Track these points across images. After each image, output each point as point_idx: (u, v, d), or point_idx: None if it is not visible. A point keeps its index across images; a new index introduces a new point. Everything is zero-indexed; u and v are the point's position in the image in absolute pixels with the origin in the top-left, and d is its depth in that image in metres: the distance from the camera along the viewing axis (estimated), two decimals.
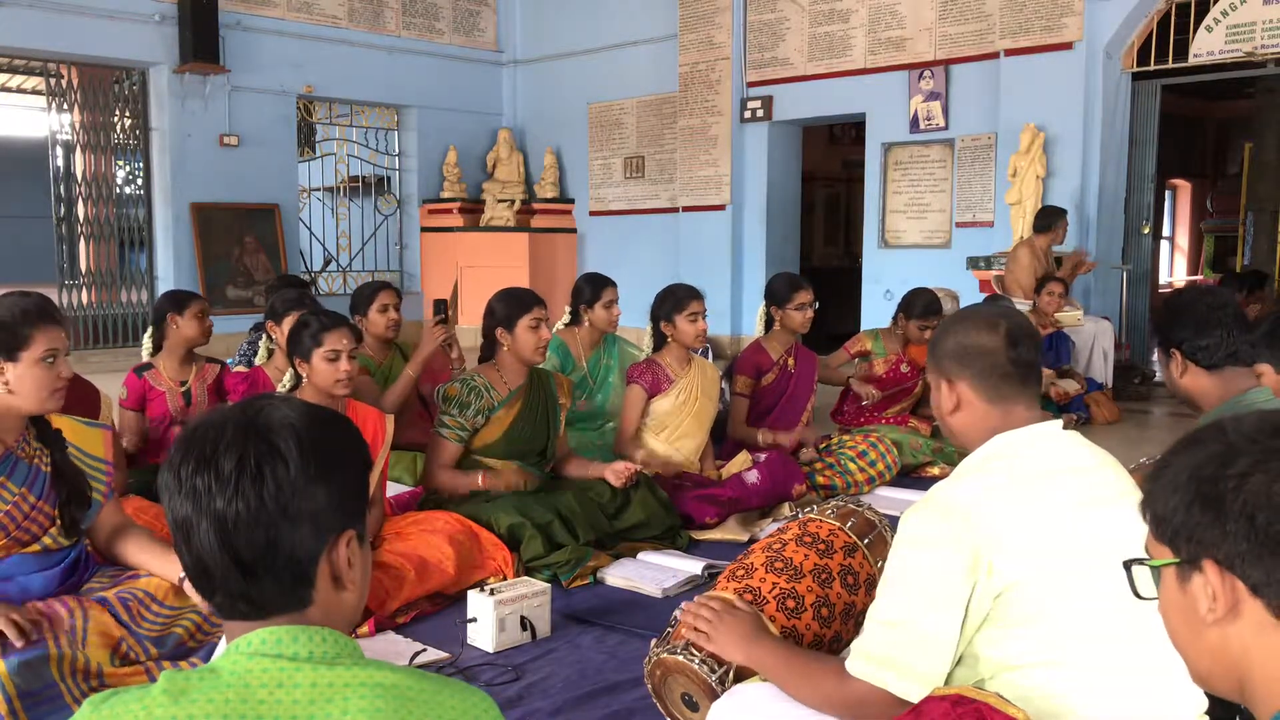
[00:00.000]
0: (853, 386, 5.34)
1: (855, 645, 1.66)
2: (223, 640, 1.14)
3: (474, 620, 2.86)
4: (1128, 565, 1.10)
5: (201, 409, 4.10)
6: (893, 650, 1.59)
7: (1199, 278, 14.19)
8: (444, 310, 4.39)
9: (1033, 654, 1.56)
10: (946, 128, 8.63)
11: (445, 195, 11.30)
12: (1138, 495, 1.09)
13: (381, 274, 11.28)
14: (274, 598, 1.07)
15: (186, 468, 1.06)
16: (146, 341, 4.29)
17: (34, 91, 13.40)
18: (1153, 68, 7.88)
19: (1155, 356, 2.71)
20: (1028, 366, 1.72)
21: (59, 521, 2.48)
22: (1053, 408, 6.01)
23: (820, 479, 4.51)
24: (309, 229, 11.11)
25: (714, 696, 1.90)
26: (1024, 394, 1.72)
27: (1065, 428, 1.74)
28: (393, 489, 4.01)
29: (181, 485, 1.06)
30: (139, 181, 9.86)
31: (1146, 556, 1.08)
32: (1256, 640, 0.97)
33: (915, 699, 1.55)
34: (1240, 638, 0.98)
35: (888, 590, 1.63)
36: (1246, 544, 0.95)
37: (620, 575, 3.42)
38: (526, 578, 3.14)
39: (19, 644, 2.19)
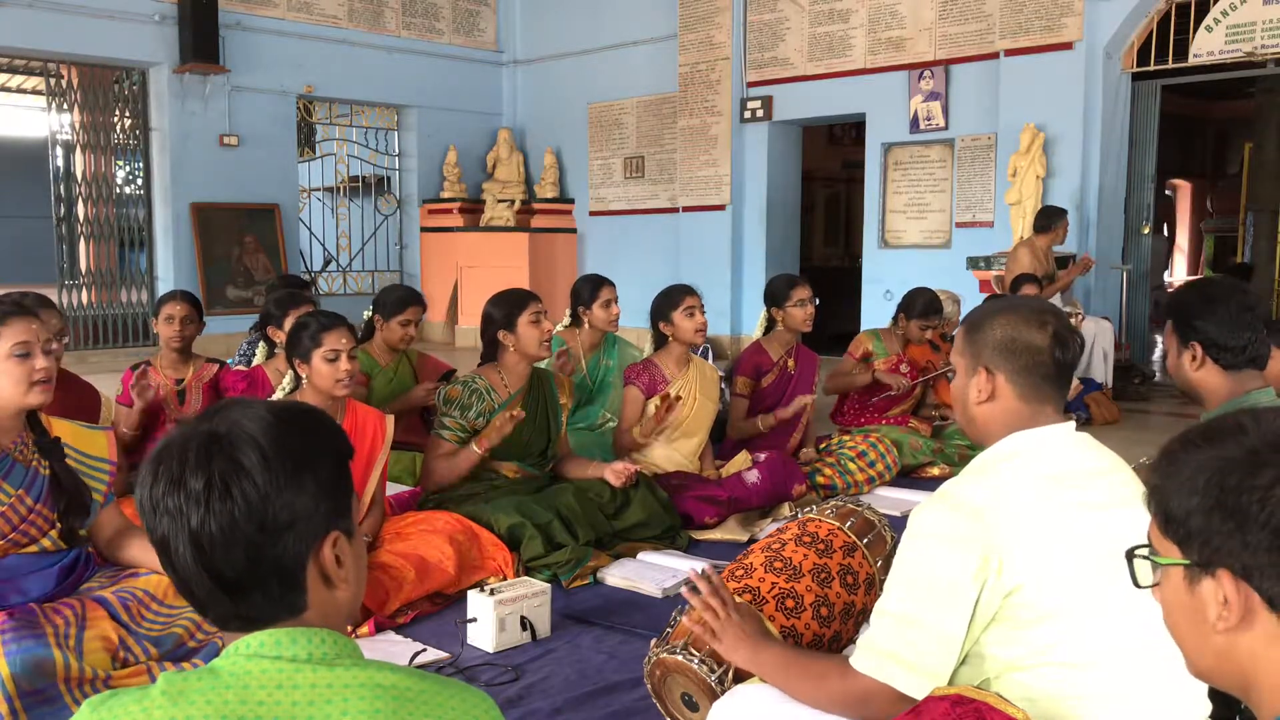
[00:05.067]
0: (880, 378, 5.23)
1: (861, 639, 1.66)
2: None
3: (474, 620, 2.86)
4: (1130, 555, 1.08)
5: (196, 409, 4.09)
6: (898, 645, 1.59)
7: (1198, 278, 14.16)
8: (448, 379, 4.46)
9: (1041, 655, 1.56)
10: (946, 128, 8.63)
11: (445, 195, 11.30)
12: None
13: (381, 274, 11.29)
14: (265, 609, 1.05)
15: (158, 489, 1.04)
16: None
17: (34, 91, 13.41)
18: (1153, 68, 7.87)
19: (1164, 340, 2.55)
20: (1068, 370, 1.72)
21: (58, 527, 2.48)
22: None
23: (820, 479, 4.51)
24: (309, 229, 11.11)
25: (714, 696, 1.90)
26: (1056, 396, 1.71)
27: None
28: (393, 489, 4.00)
29: (155, 507, 1.04)
30: (139, 181, 9.86)
31: (1148, 545, 1.07)
32: (1267, 651, 0.96)
33: (919, 695, 1.54)
34: (1250, 647, 0.97)
35: (896, 584, 1.63)
36: (1267, 557, 0.94)
37: (620, 575, 3.42)
38: (526, 578, 3.14)
39: None
